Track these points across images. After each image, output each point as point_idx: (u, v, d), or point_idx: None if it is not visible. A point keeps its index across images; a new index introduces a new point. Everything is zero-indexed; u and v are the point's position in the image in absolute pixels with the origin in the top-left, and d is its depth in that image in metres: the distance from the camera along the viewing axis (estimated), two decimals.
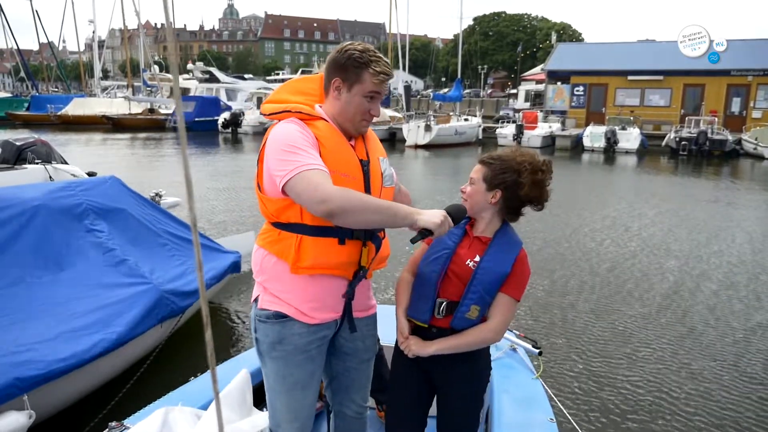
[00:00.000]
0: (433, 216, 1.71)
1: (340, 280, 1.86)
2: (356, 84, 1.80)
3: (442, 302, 1.97)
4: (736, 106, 28.04)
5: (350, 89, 1.81)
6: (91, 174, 9.02)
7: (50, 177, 8.09)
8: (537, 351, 3.12)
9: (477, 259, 1.95)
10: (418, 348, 1.97)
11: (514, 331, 3.33)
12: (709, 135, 22.38)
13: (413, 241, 1.81)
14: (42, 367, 3.02)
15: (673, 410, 3.92)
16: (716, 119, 24.32)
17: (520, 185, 1.93)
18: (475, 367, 2.05)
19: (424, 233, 1.74)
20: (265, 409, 2.16)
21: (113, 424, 2.42)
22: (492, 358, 2.16)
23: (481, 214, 2.00)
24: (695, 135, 22.35)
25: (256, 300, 1.92)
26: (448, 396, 2.07)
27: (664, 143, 23.69)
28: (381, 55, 1.82)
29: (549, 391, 2.86)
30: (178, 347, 4.23)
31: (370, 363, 2.13)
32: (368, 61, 1.79)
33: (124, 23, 41.07)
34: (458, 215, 1.85)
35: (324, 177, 1.66)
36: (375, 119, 1.94)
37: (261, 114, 1.93)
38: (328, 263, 1.81)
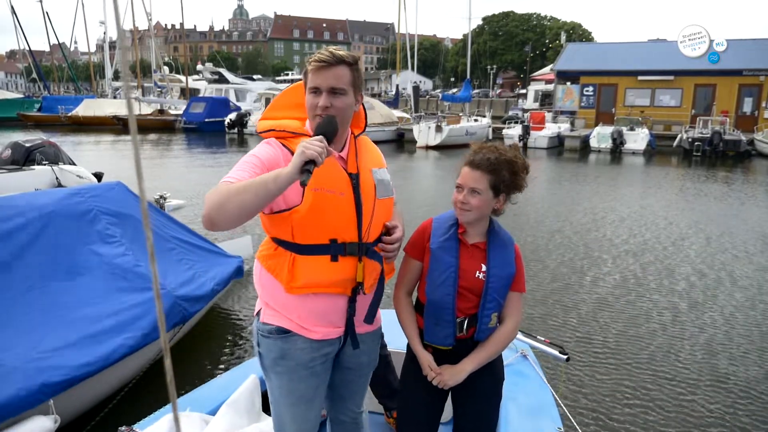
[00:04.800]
0: (310, 149, 1.51)
1: (339, 297, 1.81)
2: (306, 82, 1.79)
3: (463, 321, 1.93)
4: (747, 106, 27.78)
5: (305, 89, 1.80)
6: (97, 175, 9.11)
7: (57, 178, 8.18)
8: (564, 357, 2.98)
9: (484, 269, 1.92)
10: (454, 379, 1.92)
11: (539, 337, 3.22)
12: (723, 135, 22.13)
13: (303, 183, 1.53)
14: (66, 373, 3.07)
15: (691, 424, 3.78)
16: (728, 119, 24.08)
17: (517, 184, 1.92)
18: (494, 373, 2.04)
19: (310, 168, 1.52)
20: None
21: (123, 428, 2.44)
22: (503, 364, 2.13)
23: (482, 221, 1.96)
24: (709, 135, 22.09)
25: (258, 314, 1.88)
26: (467, 403, 2.03)
27: (676, 143, 23.46)
28: (329, 48, 1.77)
29: (558, 399, 2.79)
30: (187, 353, 4.21)
31: (370, 374, 2.09)
32: (312, 57, 1.77)
33: (134, 24, 41.36)
34: (331, 132, 1.68)
35: (223, 186, 1.56)
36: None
37: (257, 133, 1.88)
38: (322, 281, 1.76)
